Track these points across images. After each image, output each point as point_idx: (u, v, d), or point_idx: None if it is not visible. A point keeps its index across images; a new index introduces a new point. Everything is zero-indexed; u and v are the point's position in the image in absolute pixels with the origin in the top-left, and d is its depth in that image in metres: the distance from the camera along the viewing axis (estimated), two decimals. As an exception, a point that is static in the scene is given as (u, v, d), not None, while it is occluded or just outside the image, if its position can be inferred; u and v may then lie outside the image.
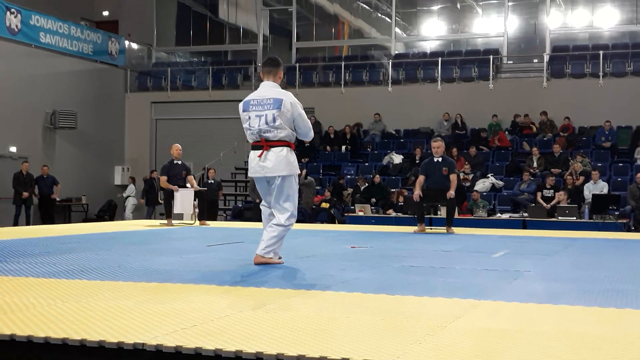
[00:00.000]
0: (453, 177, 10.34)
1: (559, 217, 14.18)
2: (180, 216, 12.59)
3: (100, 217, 20.37)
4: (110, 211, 21.05)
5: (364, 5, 23.37)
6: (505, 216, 14.97)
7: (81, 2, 23.69)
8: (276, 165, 5.59)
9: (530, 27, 21.47)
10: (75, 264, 5.64)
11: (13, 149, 18.64)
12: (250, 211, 15.93)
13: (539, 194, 15.30)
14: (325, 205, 16.23)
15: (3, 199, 17.60)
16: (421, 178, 10.51)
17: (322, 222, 15.25)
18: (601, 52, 18.67)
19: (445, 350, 2.88)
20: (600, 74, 18.44)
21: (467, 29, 22.26)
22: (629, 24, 20.43)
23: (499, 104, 18.89)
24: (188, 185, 11.98)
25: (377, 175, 17.13)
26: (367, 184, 16.94)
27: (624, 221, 13.98)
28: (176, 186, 11.75)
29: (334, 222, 15.42)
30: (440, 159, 10.43)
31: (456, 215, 11.78)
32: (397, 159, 18.44)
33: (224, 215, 18.58)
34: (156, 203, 18.97)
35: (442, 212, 12.94)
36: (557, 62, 19.36)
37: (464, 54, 21.13)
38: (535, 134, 18.46)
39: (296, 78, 20.93)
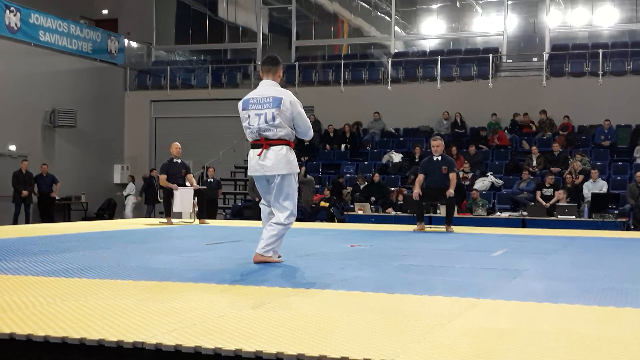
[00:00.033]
0: (452, 176, 10.34)
1: (559, 216, 14.19)
2: (179, 215, 12.59)
3: (99, 216, 20.38)
4: (109, 210, 21.05)
5: (364, 4, 23.36)
6: (505, 215, 14.98)
7: (80, 0, 23.68)
8: (276, 164, 5.59)
9: (529, 25, 21.47)
10: (75, 262, 5.64)
11: (12, 148, 18.64)
12: (249, 210, 15.94)
13: (538, 193, 15.30)
14: (324, 204, 16.23)
15: (2, 197, 17.59)
16: (420, 177, 10.51)
17: (322, 221, 15.25)
18: (601, 51, 18.67)
19: (445, 349, 2.88)
20: (600, 72, 18.45)
21: (466, 27, 22.26)
22: (628, 22, 20.43)
23: (499, 102, 18.89)
24: (187, 183, 11.98)
25: (377, 174, 17.14)
26: (366, 183, 16.94)
27: (623, 220, 13.99)
28: (175, 185, 11.76)
29: (334, 221, 15.42)
30: (439, 158, 10.43)
31: (455, 214, 11.77)
32: (397, 157, 18.45)
33: (224, 213, 18.58)
34: (155, 202, 19.00)
35: (442, 211, 12.94)
36: (556, 60, 19.36)
37: (463, 52, 21.13)
38: (534, 133, 18.46)
39: (296, 77, 20.92)
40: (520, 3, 21.59)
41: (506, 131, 18.74)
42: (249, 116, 5.65)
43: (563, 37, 20.84)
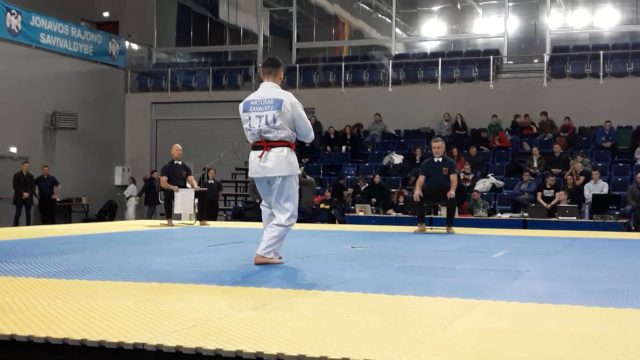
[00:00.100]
0: (453, 177, 10.34)
1: (559, 217, 14.18)
2: (180, 216, 12.59)
3: (100, 218, 20.38)
4: (110, 211, 21.06)
5: (364, 6, 23.38)
6: (506, 216, 14.97)
7: (81, 3, 23.70)
8: (277, 166, 5.59)
9: (530, 27, 21.48)
10: (76, 264, 5.64)
11: (13, 150, 18.65)
12: (250, 211, 15.94)
13: (539, 194, 15.30)
14: (324, 206, 16.22)
15: (3, 199, 17.61)
16: (421, 178, 10.51)
17: (323, 222, 15.25)
18: (601, 52, 18.67)
19: (446, 350, 2.88)
20: (601, 74, 18.44)
21: (467, 29, 22.26)
22: (629, 24, 20.44)
23: (499, 104, 18.89)
24: (188, 185, 11.99)
25: (377, 176, 17.13)
26: (367, 184, 16.94)
27: (624, 221, 13.98)
28: (176, 186, 11.76)
29: (334, 222, 15.42)
30: (440, 159, 10.43)
31: (456, 215, 11.77)
32: (398, 159, 18.45)
33: (224, 215, 18.58)
34: (156, 203, 19.01)
35: (443, 212, 12.93)
36: (557, 62, 19.36)
37: (464, 54, 21.14)
38: (535, 134, 18.46)
39: (296, 78, 20.93)
40: (520, 4, 21.59)
41: (507, 132, 18.74)
42: (249, 118, 5.65)
43: (564, 38, 20.84)
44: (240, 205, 18.37)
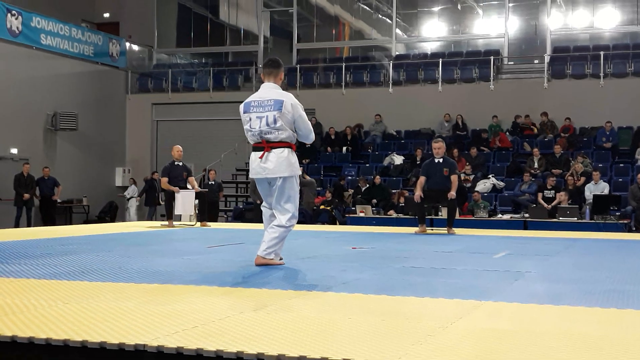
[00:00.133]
0: (454, 178, 10.33)
1: (560, 218, 14.18)
2: (181, 217, 12.59)
3: (101, 219, 20.38)
4: (111, 212, 21.06)
5: (365, 7, 23.38)
6: (506, 217, 14.97)
7: (82, 4, 23.71)
8: (277, 167, 5.59)
9: (530, 28, 21.48)
10: (77, 265, 5.64)
11: (14, 151, 18.66)
12: (251, 212, 15.94)
13: (539, 195, 15.29)
14: (324, 207, 16.21)
15: (4, 200, 17.61)
16: (422, 179, 10.50)
17: (323, 223, 15.25)
18: (602, 53, 18.68)
19: (447, 351, 2.88)
20: (601, 74, 18.44)
21: (467, 30, 22.26)
22: (629, 24, 20.44)
23: (500, 104, 18.89)
24: (189, 186, 11.99)
25: (378, 176, 17.13)
26: (368, 185, 16.94)
27: (625, 222, 13.98)
28: (177, 187, 11.76)
29: (335, 223, 15.42)
30: (441, 160, 10.43)
31: (457, 216, 11.77)
32: (398, 159, 18.45)
33: (225, 216, 18.59)
34: (156, 204, 19.02)
35: (443, 213, 12.93)
36: (557, 62, 19.37)
37: (464, 54, 21.14)
38: (536, 135, 18.46)
39: (297, 79, 20.94)
40: (521, 5, 21.60)
41: (507, 133, 18.74)
42: (250, 119, 5.65)
43: (564, 39, 20.84)
44: (241, 206, 18.37)
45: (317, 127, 19.04)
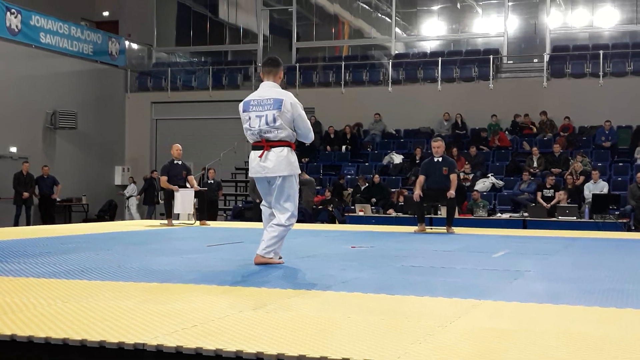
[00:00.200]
0: (453, 177, 10.33)
1: (559, 217, 14.18)
2: (182, 216, 12.58)
3: (100, 217, 20.39)
4: (110, 211, 21.06)
5: (364, 5, 23.37)
6: (506, 216, 14.97)
7: (81, 2, 23.70)
8: (277, 166, 5.59)
9: (530, 27, 21.48)
10: (76, 264, 5.64)
11: (13, 149, 18.65)
12: (250, 211, 15.94)
13: (539, 194, 15.30)
14: (323, 207, 16.21)
15: (3, 199, 17.61)
16: (421, 178, 10.51)
17: (323, 222, 15.25)
18: (601, 52, 18.68)
19: (446, 350, 2.88)
20: (601, 73, 18.44)
21: (467, 28, 22.26)
22: (629, 23, 20.44)
23: (499, 103, 18.89)
24: (188, 185, 11.98)
25: (377, 175, 17.14)
26: (367, 184, 16.94)
27: (624, 221, 13.98)
28: (176, 186, 11.75)
29: (335, 222, 15.42)
30: (440, 159, 10.43)
31: (456, 215, 11.78)
32: (398, 158, 18.45)
33: (224, 215, 18.58)
34: (155, 203, 19.02)
35: (443, 212, 12.94)
36: (557, 62, 19.36)
37: (464, 53, 21.14)
38: (535, 134, 18.46)
39: (296, 78, 20.94)
40: (520, 4, 21.59)
41: (507, 132, 18.74)
42: (249, 118, 5.65)
43: (563, 38, 20.84)
44: (240, 205, 18.37)
45: (316, 126, 19.04)
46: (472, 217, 14.79)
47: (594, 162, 16.72)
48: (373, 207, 15.98)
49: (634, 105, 17.84)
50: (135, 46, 23.38)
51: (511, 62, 21.22)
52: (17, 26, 18.48)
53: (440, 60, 20.14)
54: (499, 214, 15.25)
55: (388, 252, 7.12)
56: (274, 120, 5.55)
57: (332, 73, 21.08)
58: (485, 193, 16.23)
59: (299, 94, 17.29)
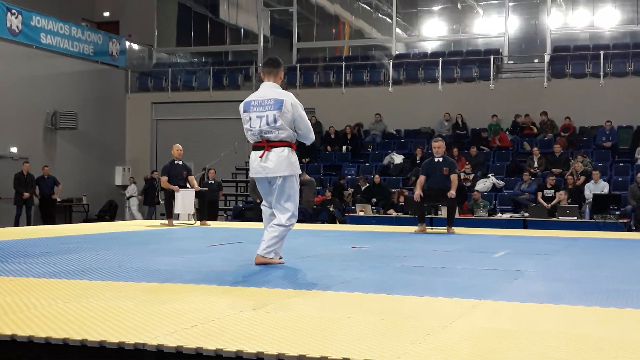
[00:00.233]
0: (454, 177, 10.34)
1: (560, 217, 14.17)
2: (182, 216, 12.59)
3: (101, 218, 20.39)
4: (111, 211, 21.07)
5: (365, 6, 23.38)
6: (506, 216, 14.97)
7: (82, 3, 23.71)
8: (277, 166, 5.59)
9: (531, 27, 21.47)
10: (76, 264, 5.64)
11: (14, 150, 18.65)
12: (251, 211, 15.93)
13: (539, 194, 15.30)
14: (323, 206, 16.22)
15: (4, 199, 17.62)
16: (422, 178, 10.51)
17: (323, 222, 15.25)
18: (602, 52, 18.67)
19: (446, 350, 2.88)
20: (601, 73, 18.44)
21: (467, 29, 22.26)
22: (629, 24, 20.43)
23: (500, 104, 18.89)
24: (189, 185, 11.98)
25: (378, 175, 17.14)
26: (367, 184, 16.95)
27: (625, 221, 13.97)
28: (177, 186, 11.75)
29: (335, 222, 15.42)
30: (440, 159, 10.43)
31: (457, 215, 11.77)
32: (398, 159, 18.45)
33: (225, 215, 18.59)
34: (156, 203, 19.02)
35: (443, 212, 12.93)
36: (557, 62, 19.36)
37: (464, 54, 21.13)
38: (535, 134, 18.46)
39: (297, 78, 20.94)
40: (521, 4, 21.59)
41: (507, 132, 18.74)
42: (250, 118, 5.65)
43: (564, 38, 20.83)
44: (241, 205, 18.37)
45: (317, 126, 19.04)
46: (473, 217, 14.79)
47: (595, 162, 16.71)
48: (373, 207, 15.98)
49: (635, 106, 17.84)
50: (135, 46, 23.38)
51: (512, 62, 21.22)
52: (17, 27, 18.49)
53: (440, 61, 20.14)
54: (499, 214, 15.25)
55: (388, 252, 7.12)
56: (275, 121, 5.55)
57: (332, 73, 21.08)
58: (485, 193, 16.23)
59: (300, 94, 17.30)
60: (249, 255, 5.99)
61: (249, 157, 5.88)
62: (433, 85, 20.03)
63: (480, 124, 19.08)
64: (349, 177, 18.18)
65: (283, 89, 5.80)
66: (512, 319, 3.63)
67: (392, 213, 15.66)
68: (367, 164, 18.83)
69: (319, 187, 17.32)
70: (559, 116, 18.35)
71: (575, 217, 14.14)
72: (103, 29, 22.54)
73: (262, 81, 5.83)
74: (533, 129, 18.60)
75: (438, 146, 10.47)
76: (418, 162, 16.60)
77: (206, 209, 12.38)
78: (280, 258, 5.81)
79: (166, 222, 11.95)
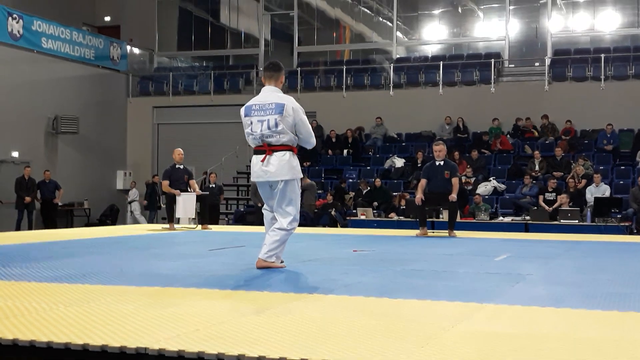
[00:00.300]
0: (455, 181, 10.33)
1: (561, 221, 14.16)
2: (182, 220, 12.59)
3: (102, 222, 20.39)
4: (112, 216, 21.07)
5: (365, 10, 23.40)
6: (508, 219, 14.95)
7: (83, 7, 23.75)
8: (279, 170, 5.59)
9: (531, 30, 21.49)
10: (78, 268, 5.64)
11: (15, 154, 18.67)
12: (252, 215, 15.94)
13: (541, 197, 15.29)
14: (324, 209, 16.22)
15: (5, 203, 17.62)
16: (423, 182, 10.51)
17: (324, 226, 15.25)
18: (602, 56, 18.68)
19: (448, 353, 2.88)
20: (602, 77, 18.45)
21: (468, 32, 22.27)
22: (630, 27, 20.44)
23: (501, 107, 18.89)
24: (190, 189, 11.98)
25: (379, 179, 17.14)
26: (369, 188, 16.94)
27: (626, 224, 13.96)
28: (178, 190, 11.76)
29: (336, 226, 15.42)
30: (442, 163, 10.43)
31: (458, 219, 11.76)
32: (399, 162, 18.45)
33: (226, 219, 18.59)
34: (157, 208, 19.03)
35: (444, 216, 12.93)
36: (558, 65, 19.37)
37: (465, 57, 21.14)
38: (537, 138, 18.45)
39: (298, 82, 20.96)
40: (522, 8, 21.61)
41: (508, 136, 18.73)
42: (251, 122, 5.66)
43: (565, 41, 20.84)
44: (242, 209, 18.37)
45: (318, 130, 19.04)
46: (474, 220, 14.79)
47: (596, 165, 16.71)
48: (375, 211, 15.97)
49: (636, 109, 17.84)
50: (137, 51, 23.42)
51: (512, 65, 21.23)
52: (19, 31, 18.52)
53: (441, 64, 20.15)
54: (500, 218, 15.24)
55: (390, 256, 7.12)
56: (276, 125, 5.56)
57: (333, 77, 21.09)
58: (487, 197, 16.22)
59: (301, 98, 17.31)
60: (250, 259, 6.00)
61: (250, 161, 5.90)
62: (434, 88, 20.04)
63: (481, 128, 19.08)
64: (350, 180, 18.18)
65: (284, 93, 5.81)
66: (513, 322, 3.63)
67: (394, 217, 15.65)
68: (368, 168, 18.83)
69: (320, 191, 17.33)
70: (560, 119, 18.36)
71: (577, 221, 14.12)
72: (104, 34, 22.57)
73: (263, 85, 5.84)
74: (534, 133, 18.61)
75: (439, 150, 10.47)
76: (419, 165, 16.60)
77: (207, 213, 12.37)
78: (282, 262, 5.81)
79: (167, 226, 11.94)
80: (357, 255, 7.25)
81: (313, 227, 14.37)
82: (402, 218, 15.27)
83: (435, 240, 9.75)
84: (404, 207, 15.58)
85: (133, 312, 3.68)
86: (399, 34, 22.45)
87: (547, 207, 14.92)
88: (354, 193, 17.23)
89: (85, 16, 23.76)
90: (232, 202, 20.27)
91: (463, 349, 2.95)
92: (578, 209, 14.57)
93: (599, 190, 15.15)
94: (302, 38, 23.43)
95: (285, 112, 5.56)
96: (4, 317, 3.50)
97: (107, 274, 5.26)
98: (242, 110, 5.79)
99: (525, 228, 14.15)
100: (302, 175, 5.84)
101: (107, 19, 24.59)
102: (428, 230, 10.83)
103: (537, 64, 20.84)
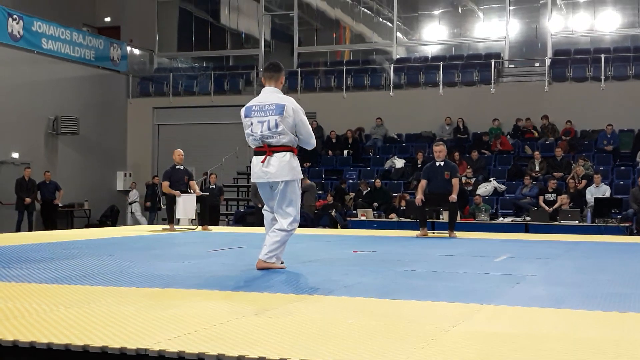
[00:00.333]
0: (455, 181, 10.33)
1: (561, 221, 14.16)
2: (182, 221, 12.60)
3: (102, 223, 20.40)
4: (112, 217, 21.07)
5: (366, 10, 23.40)
6: (508, 220, 14.96)
7: (83, 8, 23.75)
8: (279, 171, 5.59)
9: (531, 31, 21.49)
10: (78, 269, 5.65)
11: (15, 155, 18.67)
12: (252, 216, 15.94)
13: (541, 198, 15.29)
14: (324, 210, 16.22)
15: (6, 204, 17.63)
16: (423, 182, 10.51)
17: (325, 227, 15.24)
18: (603, 56, 18.68)
19: (448, 354, 2.88)
20: (602, 77, 18.45)
21: (468, 33, 22.27)
22: (630, 27, 20.44)
23: (501, 108, 18.89)
24: (190, 190, 11.98)
25: (379, 180, 17.14)
26: (369, 189, 16.95)
27: (626, 225, 13.96)
28: (178, 191, 11.76)
29: (336, 227, 15.42)
30: (442, 163, 10.43)
31: (458, 220, 11.76)
32: (399, 163, 18.45)
33: (226, 220, 18.59)
34: (157, 209, 19.02)
35: (445, 217, 12.93)
36: (558, 65, 19.38)
37: (465, 58, 21.15)
38: (537, 138, 18.45)
39: (298, 83, 20.96)
40: (522, 8, 21.61)
41: (508, 136, 18.74)
42: (251, 123, 5.66)
43: (565, 42, 20.85)
44: (242, 210, 18.37)
45: (318, 130, 19.05)
46: (474, 221, 14.79)
47: (596, 166, 16.71)
48: (375, 212, 15.98)
49: (636, 109, 17.84)
50: (137, 51, 23.42)
51: (513, 66, 21.24)
52: (19, 32, 18.52)
53: (441, 65, 20.15)
54: (501, 218, 15.25)
55: (390, 257, 7.12)
56: (276, 126, 5.56)
57: (333, 78, 21.10)
58: (487, 197, 16.22)
59: (301, 98, 17.31)
60: (250, 260, 6.00)
61: (250, 162, 5.90)
62: (434, 89, 20.05)
63: (481, 128, 19.08)
64: (350, 181, 18.18)
65: (284, 93, 5.81)
66: (513, 323, 3.63)
67: (394, 217, 15.66)
68: (368, 169, 18.83)
69: (320, 192, 17.33)
70: (560, 120, 18.36)
71: (577, 221, 14.13)
72: (104, 34, 22.58)
73: (263, 86, 5.84)
74: (534, 133, 18.61)
75: (439, 150, 10.47)
76: (419, 166, 16.60)
77: (207, 214, 12.37)
78: (282, 263, 5.80)
79: (167, 227, 11.94)
80: (357, 256, 7.24)
81: (313, 228, 14.37)
82: (402, 219, 15.28)
83: (436, 240, 9.75)
84: (404, 207, 15.58)
85: (133, 313, 3.68)
86: (399, 34, 22.46)
87: (547, 208, 14.92)
88: (354, 194, 17.23)
89: (86, 17, 23.76)
90: (233, 203, 20.27)
91: (463, 350, 2.95)
92: (578, 209, 14.57)
93: (599, 190, 15.16)
94: (302, 38, 23.43)
95: (286, 113, 5.56)
96: (4, 319, 3.50)
97: (108, 275, 5.26)
98: (242, 111, 5.79)
99: (526, 229, 14.15)
100: (302, 176, 5.84)
101: (107, 19, 24.60)
102: (428, 231, 10.83)
103: (537, 64, 20.85)
